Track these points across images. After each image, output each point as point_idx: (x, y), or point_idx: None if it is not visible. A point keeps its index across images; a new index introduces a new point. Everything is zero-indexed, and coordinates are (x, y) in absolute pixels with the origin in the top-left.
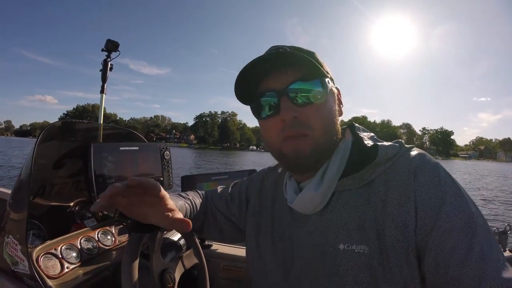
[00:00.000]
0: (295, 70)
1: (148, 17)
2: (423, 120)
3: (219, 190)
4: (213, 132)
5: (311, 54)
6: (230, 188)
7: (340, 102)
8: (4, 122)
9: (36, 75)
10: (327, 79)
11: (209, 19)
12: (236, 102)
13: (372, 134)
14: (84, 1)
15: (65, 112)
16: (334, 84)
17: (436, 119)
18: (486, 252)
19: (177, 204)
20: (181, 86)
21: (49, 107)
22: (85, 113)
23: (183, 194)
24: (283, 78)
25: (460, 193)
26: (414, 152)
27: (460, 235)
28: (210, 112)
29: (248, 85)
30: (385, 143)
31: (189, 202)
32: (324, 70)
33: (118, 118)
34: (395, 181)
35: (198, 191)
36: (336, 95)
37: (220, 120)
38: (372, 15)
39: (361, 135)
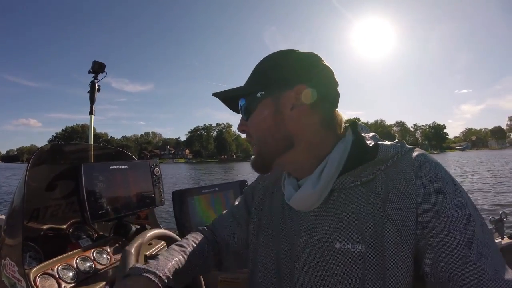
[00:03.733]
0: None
1: (129, 35)
2: (409, 117)
3: (223, 216)
4: (209, 145)
5: (258, 67)
6: (238, 199)
7: (294, 106)
8: None
9: (19, 99)
10: (258, 94)
11: (190, 32)
12: (222, 113)
13: (374, 133)
14: (63, 23)
15: (54, 134)
16: (282, 90)
17: (422, 114)
18: (485, 253)
19: (175, 259)
20: (166, 101)
21: (33, 130)
22: (75, 134)
23: (181, 244)
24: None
25: (460, 193)
26: (415, 152)
27: (459, 236)
28: (204, 125)
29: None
30: (387, 143)
31: (183, 255)
32: (262, 81)
33: (109, 138)
34: (396, 181)
35: (200, 229)
36: (280, 102)
37: (215, 132)
38: (353, 17)
39: (363, 134)
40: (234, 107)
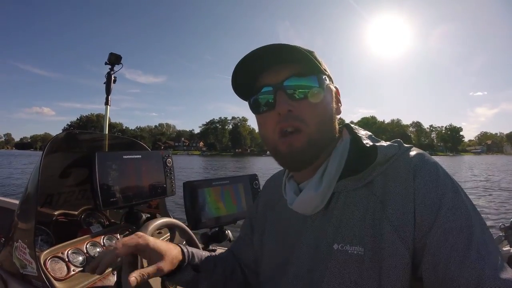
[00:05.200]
0: (292, 66)
1: (142, 26)
2: (423, 117)
3: (238, 237)
4: (223, 139)
5: (309, 52)
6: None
7: (339, 101)
8: (4, 135)
9: (32, 87)
10: (324, 76)
11: (203, 25)
12: (234, 107)
13: (370, 133)
14: (77, 13)
15: (69, 123)
16: (332, 82)
17: (435, 116)
18: (484, 252)
19: (204, 254)
20: (178, 93)
21: (47, 119)
22: (90, 123)
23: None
24: (279, 74)
25: (459, 193)
26: (413, 152)
27: (458, 236)
28: (220, 118)
29: (246, 79)
30: (384, 143)
31: (211, 256)
32: (322, 67)
33: (124, 128)
34: (394, 182)
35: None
36: (333, 93)
37: (230, 126)
38: (368, 14)
39: (359, 134)
40: (244, 85)
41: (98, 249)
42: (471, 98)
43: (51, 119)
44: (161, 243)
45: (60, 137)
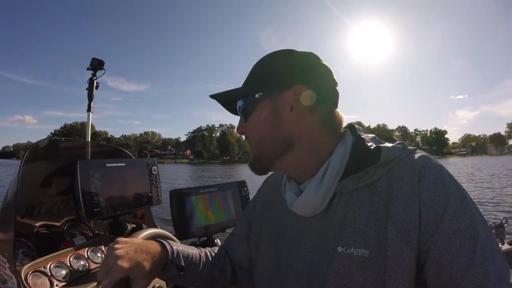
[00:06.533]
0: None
1: (125, 34)
2: (406, 122)
3: (232, 234)
4: (211, 146)
5: (256, 67)
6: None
7: (293, 107)
8: None
9: (13, 95)
10: (256, 95)
11: (186, 32)
12: (218, 114)
13: (373, 135)
14: (59, 20)
15: (53, 131)
16: (284, 88)
17: (420, 120)
18: (488, 256)
19: (192, 252)
20: (162, 101)
21: (29, 127)
22: (74, 131)
23: (199, 248)
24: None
25: (463, 196)
26: (417, 154)
27: (463, 239)
28: (207, 125)
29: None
30: (388, 145)
31: (200, 253)
32: (256, 84)
33: (109, 136)
34: (399, 183)
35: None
36: (277, 103)
37: (218, 133)
38: (349, 20)
39: (363, 136)
40: (232, 109)
41: (82, 262)
42: (452, 101)
43: (33, 127)
44: (141, 243)
45: (40, 144)
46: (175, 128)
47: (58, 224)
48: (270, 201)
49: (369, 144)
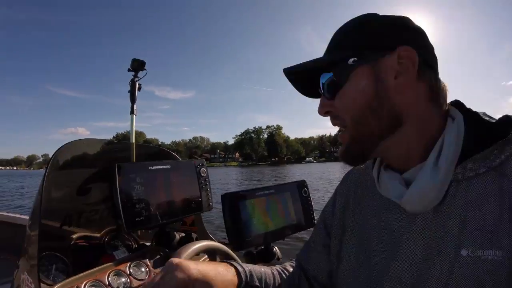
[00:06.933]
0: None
1: (169, 44)
2: None
3: (306, 245)
4: (259, 148)
5: (343, 29)
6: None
7: (398, 73)
8: (42, 155)
9: (65, 109)
10: (350, 60)
11: (227, 39)
12: (264, 116)
13: (484, 111)
14: (105, 37)
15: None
16: (382, 52)
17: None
18: None
19: (265, 271)
20: (207, 107)
21: None
22: (127, 140)
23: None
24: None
25: None
26: None
27: None
28: (254, 127)
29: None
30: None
31: (272, 271)
32: (352, 44)
33: (160, 143)
34: None
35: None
36: (375, 71)
37: (265, 135)
38: (389, 9)
39: (474, 111)
40: (306, 88)
41: (123, 279)
42: (504, 87)
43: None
44: (207, 268)
45: (73, 146)
46: (222, 132)
47: (99, 235)
48: (355, 200)
49: (486, 118)
